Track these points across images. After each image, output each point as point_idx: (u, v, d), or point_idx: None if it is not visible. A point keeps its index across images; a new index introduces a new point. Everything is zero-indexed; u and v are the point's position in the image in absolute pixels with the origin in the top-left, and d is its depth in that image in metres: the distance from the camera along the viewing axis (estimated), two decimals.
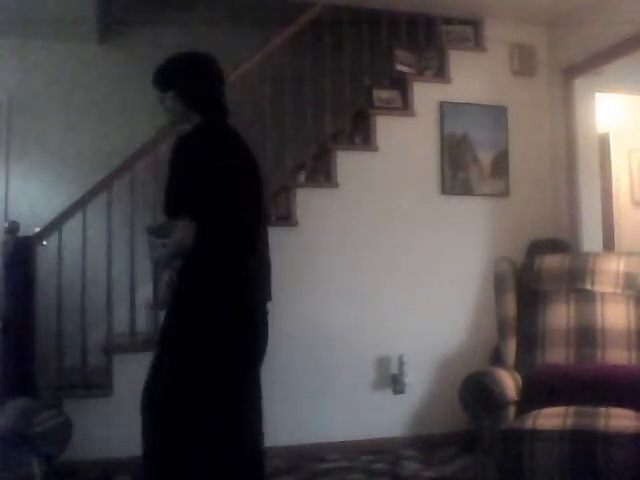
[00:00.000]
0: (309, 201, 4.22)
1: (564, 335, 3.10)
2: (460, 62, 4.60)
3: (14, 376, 3.49)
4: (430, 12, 4.61)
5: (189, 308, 2.27)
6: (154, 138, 4.11)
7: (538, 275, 3.26)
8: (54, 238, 3.92)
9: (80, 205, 3.97)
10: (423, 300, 4.38)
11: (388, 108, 4.46)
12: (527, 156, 4.69)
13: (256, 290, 2.34)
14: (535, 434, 2.52)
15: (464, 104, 4.56)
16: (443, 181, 4.52)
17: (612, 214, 5.30)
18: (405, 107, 4.50)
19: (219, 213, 2.22)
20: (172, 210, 2.29)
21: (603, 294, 3.14)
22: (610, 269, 3.17)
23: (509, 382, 2.88)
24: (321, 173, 4.35)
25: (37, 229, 3.92)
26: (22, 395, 2.82)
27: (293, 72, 4.21)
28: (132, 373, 3.89)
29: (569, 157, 4.58)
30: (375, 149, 4.37)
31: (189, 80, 2.48)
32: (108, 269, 4.01)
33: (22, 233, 3.83)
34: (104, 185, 4.01)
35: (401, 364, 4.27)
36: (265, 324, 2.37)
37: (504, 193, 4.62)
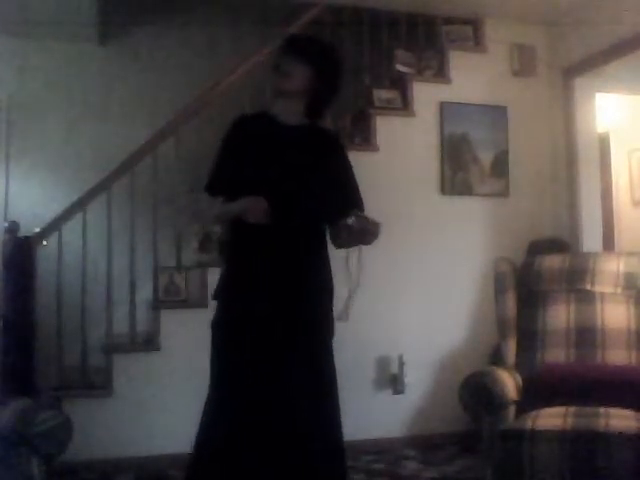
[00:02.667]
0: None
1: (564, 335, 3.10)
2: (460, 62, 4.60)
3: (14, 376, 3.49)
4: (430, 12, 4.61)
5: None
6: (154, 138, 4.12)
7: (538, 275, 3.26)
8: (54, 238, 3.93)
9: (80, 205, 3.97)
10: (423, 300, 4.38)
11: (388, 108, 4.46)
12: (527, 156, 4.68)
13: None
14: (535, 434, 2.52)
15: (464, 104, 4.56)
16: (443, 181, 4.52)
17: (612, 214, 5.30)
18: (405, 107, 4.50)
19: None
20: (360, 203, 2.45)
21: (603, 294, 3.14)
22: (610, 269, 3.17)
23: (509, 382, 2.88)
24: None
25: (37, 229, 3.92)
26: (22, 395, 2.81)
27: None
28: (132, 373, 3.91)
29: (569, 157, 4.57)
30: (375, 149, 4.37)
31: (336, 77, 2.45)
32: (108, 269, 4.02)
33: (22, 233, 3.83)
34: (104, 185, 4.02)
35: (401, 364, 4.27)
36: None
37: (504, 193, 4.62)
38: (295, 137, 2.40)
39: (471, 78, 4.61)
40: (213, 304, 4.17)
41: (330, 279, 2.45)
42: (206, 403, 2.36)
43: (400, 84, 4.55)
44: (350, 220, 2.24)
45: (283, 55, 2.39)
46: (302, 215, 2.34)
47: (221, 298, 2.40)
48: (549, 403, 2.73)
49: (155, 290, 4.06)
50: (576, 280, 3.18)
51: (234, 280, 2.38)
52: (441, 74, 4.59)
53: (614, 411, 2.60)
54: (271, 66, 2.46)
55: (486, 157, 4.60)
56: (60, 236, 3.92)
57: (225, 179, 2.40)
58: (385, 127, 4.42)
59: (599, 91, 4.62)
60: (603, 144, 5.03)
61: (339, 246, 2.44)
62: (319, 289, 2.40)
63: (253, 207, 2.24)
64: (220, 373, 2.34)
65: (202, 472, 2.30)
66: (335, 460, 2.34)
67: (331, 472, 2.33)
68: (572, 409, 2.65)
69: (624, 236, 5.31)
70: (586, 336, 3.06)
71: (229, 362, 2.32)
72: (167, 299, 4.04)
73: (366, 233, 2.25)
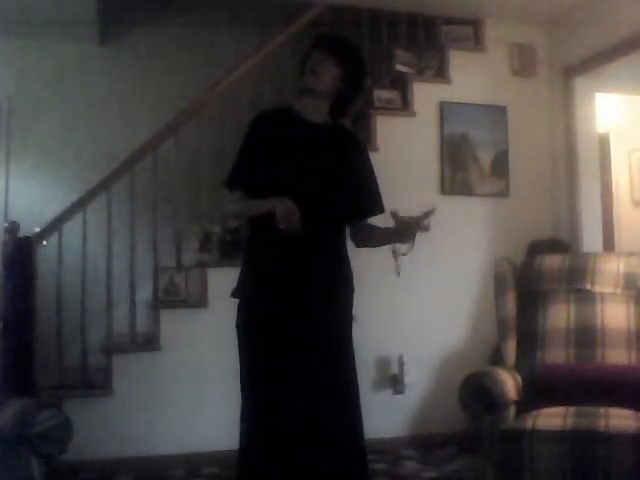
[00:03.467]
0: None
1: (564, 335, 3.09)
2: (460, 62, 4.60)
3: (14, 376, 3.49)
4: (430, 12, 4.61)
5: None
6: (154, 138, 4.12)
7: (538, 275, 3.26)
8: (54, 238, 3.93)
9: (80, 205, 3.98)
10: (423, 300, 4.38)
11: (388, 108, 4.46)
12: (527, 156, 4.68)
13: None
14: (535, 434, 2.52)
15: (464, 104, 4.56)
16: (443, 181, 4.52)
17: (612, 214, 5.30)
18: (405, 107, 4.50)
19: None
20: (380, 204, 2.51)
21: (603, 294, 3.13)
22: (610, 269, 3.16)
23: (509, 382, 2.88)
24: None
25: (37, 229, 3.92)
26: (22, 395, 2.81)
27: (293, 72, 4.21)
28: (132, 373, 3.91)
29: (569, 157, 4.57)
30: (375, 149, 4.37)
31: (362, 78, 2.46)
32: (108, 269, 4.02)
33: (22, 233, 3.83)
34: (104, 185, 4.02)
35: (401, 364, 4.27)
36: None
37: (504, 193, 4.62)
38: (319, 135, 2.39)
39: (471, 78, 4.61)
40: (213, 304, 4.18)
41: (351, 277, 2.45)
42: (244, 408, 2.31)
43: (400, 84, 4.55)
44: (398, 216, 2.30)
45: (313, 53, 2.36)
46: (323, 216, 2.33)
47: (242, 297, 2.36)
48: (549, 403, 2.72)
49: (155, 290, 4.06)
50: (576, 280, 3.18)
51: (254, 278, 2.36)
52: (441, 74, 4.60)
53: (614, 411, 2.60)
54: (299, 63, 2.43)
55: (486, 157, 4.60)
56: (60, 236, 3.92)
57: (246, 175, 2.37)
58: (385, 127, 4.42)
59: (599, 91, 4.62)
60: (603, 144, 5.03)
61: (359, 244, 2.50)
62: (340, 287, 2.40)
63: (287, 212, 2.17)
64: (253, 375, 2.31)
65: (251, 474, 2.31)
66: (357, 459, 2.34)
67: (353, 471, 2.33)
68: (572, 409, 2.64)
69: (624, 236, 5.31)
70: (586, 336, 3.06)
71: (262, 363, 2.29)
72: (167, 299, 4.04)
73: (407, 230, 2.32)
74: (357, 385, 2.38)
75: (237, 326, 2.34)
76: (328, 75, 2.34)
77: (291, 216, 2.17)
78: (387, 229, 2.37)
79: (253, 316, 2.32)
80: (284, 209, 2.17)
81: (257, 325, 2.30)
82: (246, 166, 2.37)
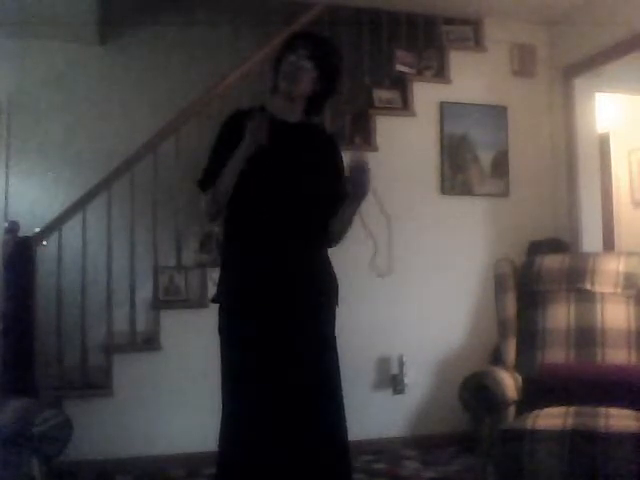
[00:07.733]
0: None
1: (564, 335, 3.10)
2: (460, 62, 4.60)
3: (14, 376, 3.49)
4: (430, 12, 4.61)
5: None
6: (154, 138, 4.12)
7: (538, 275, 3.26)
8: (54, 238, 3.93)
9: (80, 205, 3.98)
10: (423, 300, 4.38)
11: (388, 108, 4.46)
12: (527, 156, 4.69)
13: None
14: (535, 434, 2.52)
15: (464, 104, 4.56)
16: (443, 181, 4.52)
17: (612, 214, 5.30)
18: (405, 107, 4.50)
19: None
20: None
21: (603, 294, 3.13)
22: (610, 269, 3.16)
23: (509, 382, 2.88)
24: None
25: (37, 229, 3.92)
26: (22, 395, 2.82)
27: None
28: (132, 373, 3.92)
29: (569, 157, 4.57)
30: (375, 149, 4.37)
31: (338, 78, 2.44)
32: (108, 269, 4.02)
33: (22, 233, 3.83)
34: (104, 185, 4.02)
35: (401, 364, 4.27)
36: None
37: (504, 193, 4.62)
38: (295, 135, 2.38)
39: (471, 78, 4.62)
40: (213, 304, 4.17)
41: (334, 276, 2.42)
42: (227, 410, 2.32)
43: (400, 84, 4.55)
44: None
45: (289, 55, 2.33)
46: (300, 216, 2.32)
47: (223, 301, 2.37)
48: (549, 403, 2.73)
49: (155, 290, 4.06)
50: (576, 280, 3.18)
51: (233, 281, 2.35)
52: (441, 74, 4.60)
53: (614, 411, 2.60)
54: (272, 60, 2.42)
55: (486, 157, 4.60)
56: (60, 236, 3.92)
57: (220, 175, 2.36)
58: (385, 127, 4.42)
59: (599, 91, 4.62)
60: (603, 144, 5.03)
61: (335, 232, 2.43)
62: (323, 287, 2.37)
63: (257, 125, 2.19)
64: (237, 380, 2.30)
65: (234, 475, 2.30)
66: (341, 458, 2.34)
67: (336, 470, 2.33)
68: (572, 409, 2.64)
69: (624, 236, 5.31)
70: (586, 336, 3.06)
71: (246, 367, 2.28)
72: (167, 299, 4.04)
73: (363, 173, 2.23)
74: (340, 386, 2.36)
75: (219, 330, 2.35)
76: (306, 81, 2.33)
77: (260, 128, 2.19)
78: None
79: (235, 319, 2.32)
80: (255, 123, 2.19)
81: (239, 328, 2.30)
82: (219, 167, 2.36)
